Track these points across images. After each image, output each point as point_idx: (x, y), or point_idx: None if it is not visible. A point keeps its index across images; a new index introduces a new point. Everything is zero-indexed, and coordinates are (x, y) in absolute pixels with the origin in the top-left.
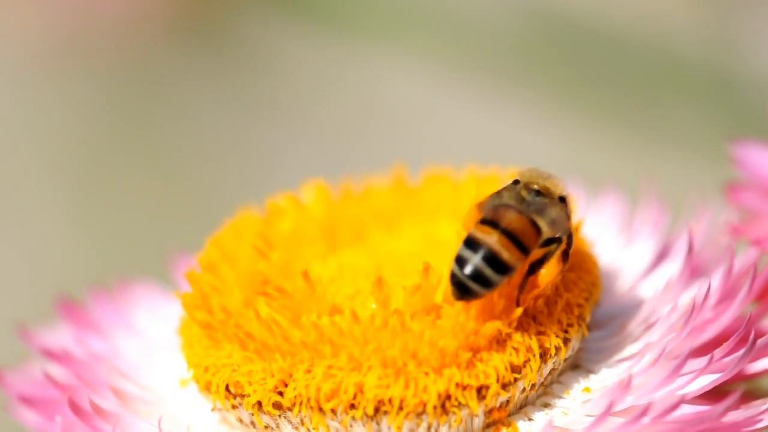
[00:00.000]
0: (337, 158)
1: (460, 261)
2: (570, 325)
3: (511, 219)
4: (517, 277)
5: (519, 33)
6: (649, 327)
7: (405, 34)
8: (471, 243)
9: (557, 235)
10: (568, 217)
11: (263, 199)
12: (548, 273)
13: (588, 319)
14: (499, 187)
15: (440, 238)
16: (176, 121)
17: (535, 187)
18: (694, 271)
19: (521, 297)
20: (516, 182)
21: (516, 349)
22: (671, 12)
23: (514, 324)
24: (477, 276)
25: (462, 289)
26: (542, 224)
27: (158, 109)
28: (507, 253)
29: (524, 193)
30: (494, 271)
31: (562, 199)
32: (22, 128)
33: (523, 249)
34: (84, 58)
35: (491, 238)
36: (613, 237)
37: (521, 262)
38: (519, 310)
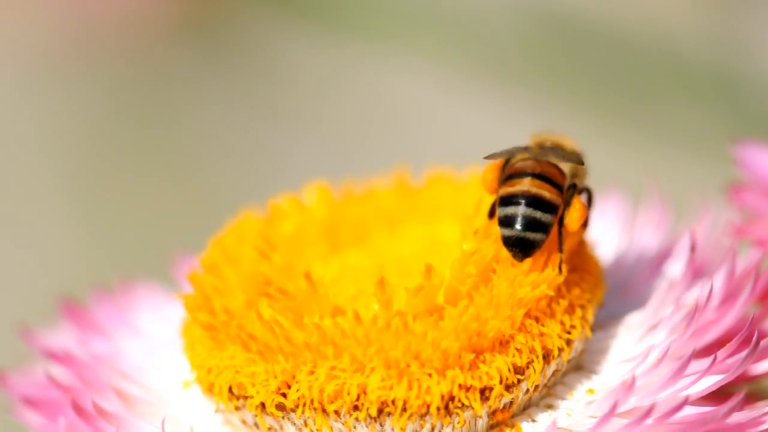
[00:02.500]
0: (339, 159)
1: (507, 221)
2: (573, 326)
3: (533, 165)
4: (551, 238)
5: (523, 34)
6: (652, 328)
7: (408, 36)
8: (507, 200)
9: (575, 182)
10: (583, 168)
11: (265, 200)
12: (576, 212)
13: (591, 320)
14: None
15: (442, 238)
16: (179, 122)
17: (548, 144)
18: (696, 271)
19: (563, 252)
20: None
21: (519, 351)
22: (675, 12)
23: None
24: (530, 223)
25: (523, 245)
26: (562, 166)
27: (161, 110)
28: (546, 192)
29: (537, 151)
30: (543, 211)
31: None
32: (25, 128)
33: (557, 186)
34: (89, 60)
35: (524, 185)
36: (616, 237)
37: (560, 199)
38: (564, 269)
